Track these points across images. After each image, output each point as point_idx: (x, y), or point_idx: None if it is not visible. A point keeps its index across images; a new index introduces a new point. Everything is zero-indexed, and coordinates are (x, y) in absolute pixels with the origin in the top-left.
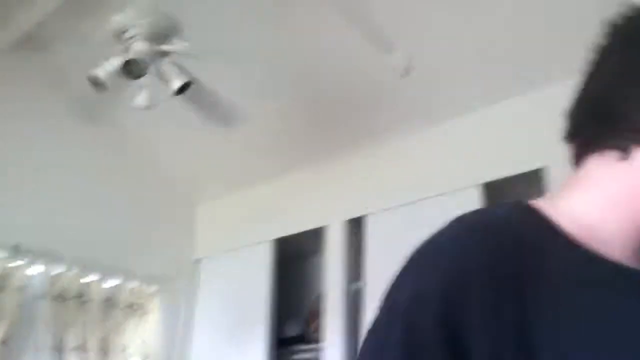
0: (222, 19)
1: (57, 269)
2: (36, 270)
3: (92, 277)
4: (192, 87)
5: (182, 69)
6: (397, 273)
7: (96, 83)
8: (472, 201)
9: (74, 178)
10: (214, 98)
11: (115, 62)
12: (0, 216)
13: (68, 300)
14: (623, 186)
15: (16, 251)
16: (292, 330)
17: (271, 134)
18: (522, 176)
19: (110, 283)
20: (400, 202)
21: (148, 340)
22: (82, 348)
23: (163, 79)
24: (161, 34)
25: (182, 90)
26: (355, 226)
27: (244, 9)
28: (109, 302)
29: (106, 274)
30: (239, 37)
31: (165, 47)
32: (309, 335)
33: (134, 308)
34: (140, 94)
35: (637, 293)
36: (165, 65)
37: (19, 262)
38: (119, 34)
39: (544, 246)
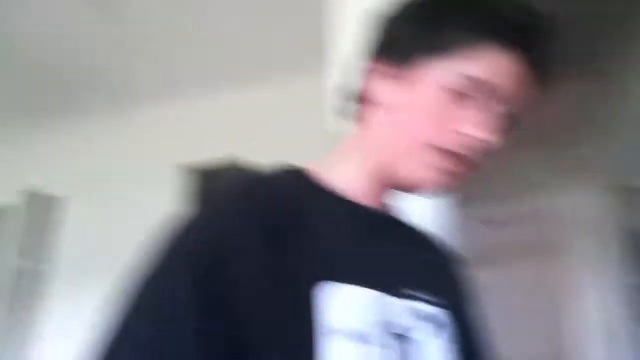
0: None
1: None
2: None
3: None
4: None
5: None
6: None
7: None
8: (178, 185)
9: None
10: None
11: None
12: None
13: None
14: (362, 151)
15: None
16: None
17: None
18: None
19: None
20: (102, 186)
21: None
22: None
23: None
24: None
25: None
26: (45, 205)
27: None
28: None
29: None
30: None
31: None
32: None
33: None
34: None
35: (368, 225)
36: None
37: None
38: None
39: (303, 197)
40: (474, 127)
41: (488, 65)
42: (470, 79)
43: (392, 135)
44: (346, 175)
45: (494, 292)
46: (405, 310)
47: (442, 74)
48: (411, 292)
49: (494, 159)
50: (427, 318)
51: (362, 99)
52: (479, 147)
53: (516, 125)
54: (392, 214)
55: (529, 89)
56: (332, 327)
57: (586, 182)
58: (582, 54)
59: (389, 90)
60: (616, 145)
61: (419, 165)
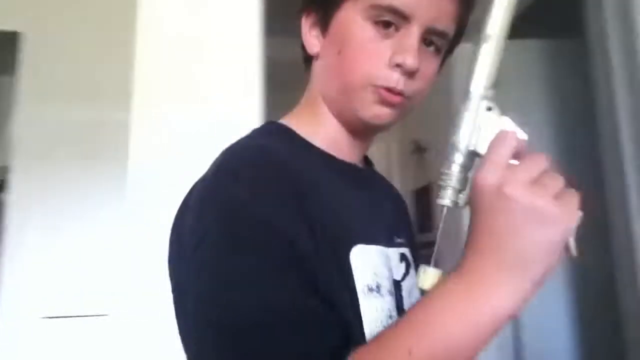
0: None
1: None
2: None
3: None
4: None
5: None
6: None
7: None
8: None
9: None
10: None
11: None
12: None
13: None
14: (320, 104)
15: None
16: None
17: None
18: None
19: None
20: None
21: None
22: None
23: None
24: None
25: None
26: None
27: None
28: None
29: None
30: None
31: None
32: None
33: None
34: None
35: (359, 182)
36: None
37: None
38: None
39: (305, 163)
40: (404, 54)
41: None
42: (387, 7)
43: (330, 82)
44: (324, 133)
45: None
46: (397, 257)
47: (356, 10)
48: (397, 239)
49: None
50: (403, 259)
51: (305, 55)
52: (410, 75)
53: (454, 42)
54: (367, 166)
55: (454, 5)
56: (363, 285)
57: None
58: None
59: (317, 38)
60: None
61: (364, 104)
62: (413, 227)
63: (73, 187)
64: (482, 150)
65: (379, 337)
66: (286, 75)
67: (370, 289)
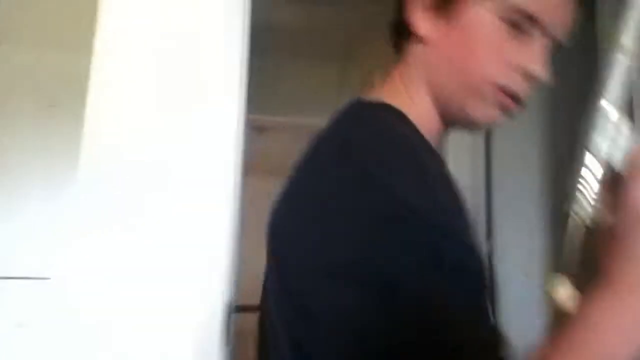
0: None
1: None
2: None
3: None
4: None
5: None
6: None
7: None
8: None
9: None
10: None
11: None
12: None
13: None
14: (433, 59)
15: None
16: None
17: None
18: None
19: None
20: None
21: None
22: None
23: None
24: None
25: None
26: None
27: None
28: None
29: None
30: None
31: None
32: None
33: None
34: None
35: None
36: None
37: None
38: None
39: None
40: (533, 64)
41: (544, 1)
42: (525, 13)
43: (448, 74)
44: (425, 116)
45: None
46: None
47: (495, 6)
48: None
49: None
50: None
51: (402, 30)
52: (534, 84)
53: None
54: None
55: (572, 17)
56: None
57: None
58: None
59: (433, 23)
60: None
61: (480, 104)
62: None
63: (26, 138)
64: (617, 164)
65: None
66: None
67: None
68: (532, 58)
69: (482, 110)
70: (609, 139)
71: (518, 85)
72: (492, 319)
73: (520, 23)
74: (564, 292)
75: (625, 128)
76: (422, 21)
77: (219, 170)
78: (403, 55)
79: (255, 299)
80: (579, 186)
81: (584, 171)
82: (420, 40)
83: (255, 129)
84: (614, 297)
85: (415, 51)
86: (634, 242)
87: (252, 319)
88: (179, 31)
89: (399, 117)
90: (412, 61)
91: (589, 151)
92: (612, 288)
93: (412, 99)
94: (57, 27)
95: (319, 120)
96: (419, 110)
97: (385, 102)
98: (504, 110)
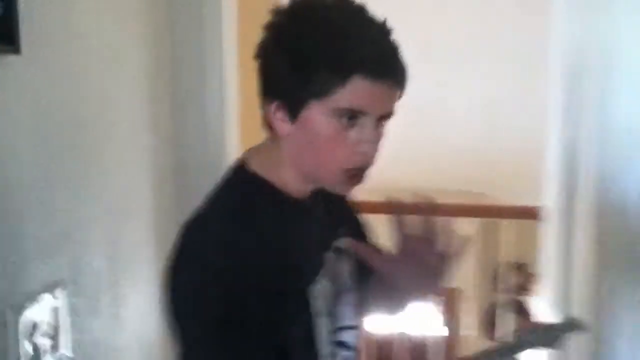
0: None
1: None
2: None
3: None
4: None
5: None
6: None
7: None
8: None
9: None
10: None
11: None
12: None
13: None
14: (292, 149)
15: None
16: None
17: None
18: None
19: None
20: None
21: None
22: None
23: None
24: None
25: None
26: None
27: None
28: None
29: None
30: None
31: None
32: None
33: None
34: None
35: (304, 216)
36: None
37: None
38: None
39: (274, 205)
40: (366, 144)
41: (360, 95)
42: (348, 110)
43: (303, 160)
44: (290, 181)
45: None
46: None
47: (322, 109)
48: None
49: None
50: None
51: (266, 124)
52: (374, 154)
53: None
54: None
55: (396, 93)
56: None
57: None
58: None
59: (285, 123)
60: None
61: (334, 181)
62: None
63: None
64: None
65: None
66: None
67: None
68: (363, 138)
69: (338, 186)
70: None
71: (360, 162)
72: None
73: (348, 114)
74: None
75: None
76: (277, 122)
77: None
78: (271, 131)
79: None
80: None
81: None
82: (279, 135)
83: None
84: None
85: (280, 140)
86: None
87: None
88: None
89: (262, 192)
90: (277, 146)
91: None
92: None
93: (279, 172)
94: None
95: None
96: (285, 179)
97: (257, 176)
98: (357, 182)
